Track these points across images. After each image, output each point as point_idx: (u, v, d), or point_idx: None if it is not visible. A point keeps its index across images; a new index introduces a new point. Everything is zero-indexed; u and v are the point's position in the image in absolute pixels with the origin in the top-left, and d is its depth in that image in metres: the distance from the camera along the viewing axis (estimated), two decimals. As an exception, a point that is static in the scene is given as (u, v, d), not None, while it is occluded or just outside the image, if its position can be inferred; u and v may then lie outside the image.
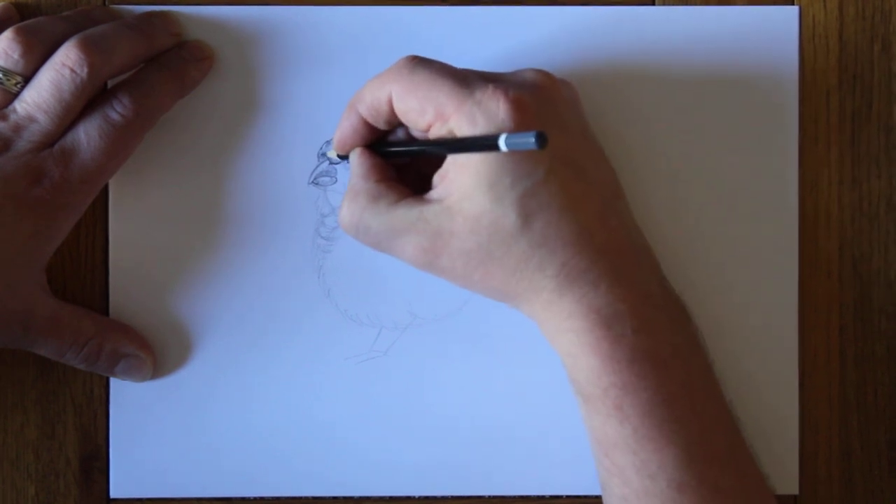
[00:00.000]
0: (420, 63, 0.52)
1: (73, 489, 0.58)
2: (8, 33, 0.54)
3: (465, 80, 0.51)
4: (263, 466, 0.58)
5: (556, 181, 0.50)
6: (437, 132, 0.51)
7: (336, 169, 0.58)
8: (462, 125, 0.50)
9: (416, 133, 0.54)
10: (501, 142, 0.45)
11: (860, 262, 0.59)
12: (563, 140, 0.51)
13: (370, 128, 0.54)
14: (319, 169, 0.58)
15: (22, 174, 0.53)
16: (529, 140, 0.44)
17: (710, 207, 0.58)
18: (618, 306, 0.50)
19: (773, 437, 0.58)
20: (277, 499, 0.59)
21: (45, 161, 0.53)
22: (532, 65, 0.56)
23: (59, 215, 0.54)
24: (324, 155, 0.58)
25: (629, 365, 0.50)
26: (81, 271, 0.58)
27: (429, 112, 0.51)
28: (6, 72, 0.53)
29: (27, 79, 0.54)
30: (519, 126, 0.50)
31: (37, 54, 0.54)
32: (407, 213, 0.52)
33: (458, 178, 0.51)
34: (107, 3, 0.58)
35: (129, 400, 0.58)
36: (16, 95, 0.54)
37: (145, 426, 0.58)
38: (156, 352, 0.58)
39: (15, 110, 0.53)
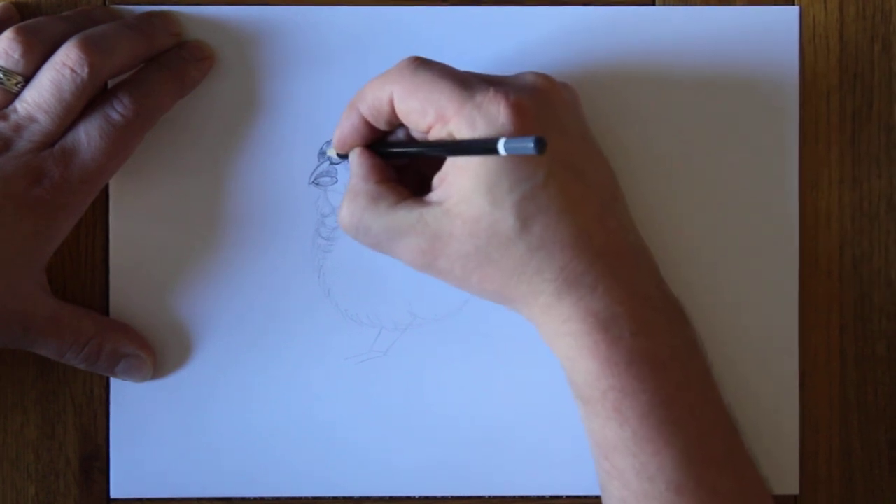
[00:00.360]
0: (422, 64, 0.52)
1: (73, 489, 0.58)
2: (8, 33, 0.53)
3: (467, 82, 0.51)
4: (263, 466, 0.58)
5: (555, 185, 0.50)
6: (437, 134, 0.51)
7: (336, 169, 0.58)
8: (462, 128, 0.50)
9: (417, 134, 0.54)
10: (500, 146, 0.45)
11: (860, 261, 0.59)
12: (563, 143, 0.51)
13: (371, 128, 0.54)
14: (320, 169, 0.58)
15: (22, 174, 0.53)
16: (528, 145, 0.44)
17: (710, 208, 0.58)
18: (616, 309, 0.50)
19: (773, 437, 0.58)
20: (277, 499, 0.59)
21: (46, 161, 0.53)
22: (532, 65, 0.56)
23: (59, 215, 0.54)
24: (324, 154, 0.58)
25: (627, 368, 0.50)
26: (81, 271, 0.58)
27: (429, 113, 0.51)
28: (6, 72, 0.53)
29: (27, 79, 0.54)
30: (519, 130, 0.50)
31: (37, 54, 0.54)
32: (406, 215, 0.52)
33: (458, 180, 0.51)
34: (107, 3, 0.58)
35: (129, 400, 0.58)
36: (16, 95, 0.54)
37: (145, 426, 0.58)
38: (156, 352, 0.58)
39: (15, 110, 0.53)
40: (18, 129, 0.53)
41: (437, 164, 0.52)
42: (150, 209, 0.58)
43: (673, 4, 0.58)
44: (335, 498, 0.59)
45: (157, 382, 0.58)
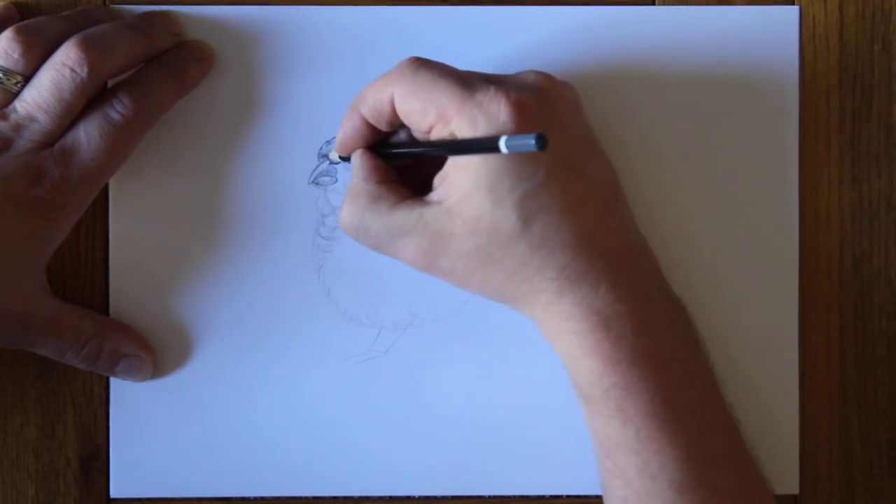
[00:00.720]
0: (423, 64, 0.52)
1: (73, 489, 0.58)
2: (8, 33, 0.54)
3: (467, 81, 0.51)
4: (263, 466, 0.58)
5: (556, 183, 0.50)
6: (438, 134, 0.51)
7: (336, 169, 0.58)
8: (463, 127, 0.50)
9: (418, 134, 0.54)
10: (502, 143, 0.45)
11: (860, 261, 0.59)
12: (564, 142, 0.51)
13: (372, 129, 0.54)
14: (319, 169, 0.58)
15: (22, 174, 0.53)
16: (529, 142, 0.44)
17: (710, 207, 0.58)
18: (618, 307, 0.50)
19: (774, 437, 0.58)
20: (277, 499, 0.59)
21: (45, 161, 0.53)
22: (532, 65, 0.56)
23: (59, 215, 0.54)
24: (324, 155, 0.58)
25: (630, 366, 0.50)
26: (81, 271, 0.58)
27: (430, 113, 0.51)
28: (6, 71, 0.53)
29: (27, 78, 0.54)
30: (520, 128, 0.50)
31: (37, 54, 0.54)
32: (407, 215, 0.52)
33: (459, 179, 0.51)
34: (107, 2, 0.58)
35: (129, 400, 0.58)
36: (16, 95, 0.54)
37: (145, 426, 0.58)
38: (156, 352, 0.58)
39: (15, 110, 0.53)
40: (18, 128, 0.53)
41: (439, 165, 0.52)
42: (150, 209, 0.58)
43: (673, 4, 0.58)
44: (335, 498, 0.59)
45: (157, 382, 0.58)
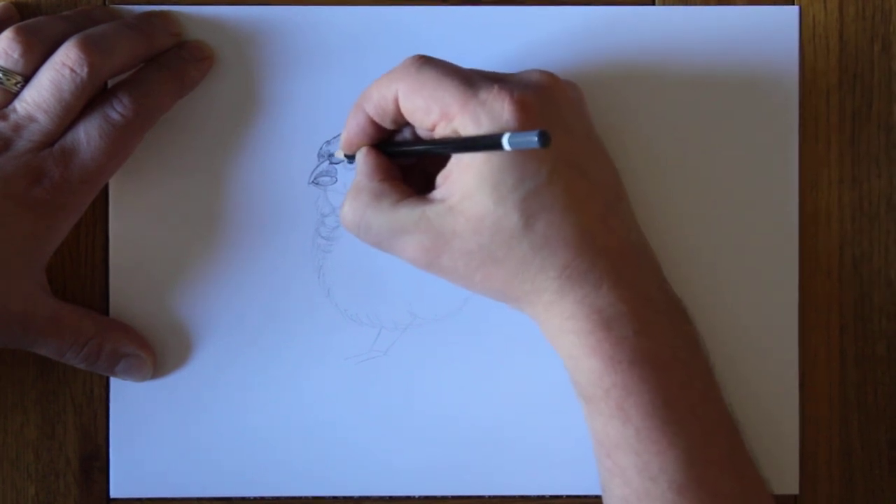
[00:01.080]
0: (427, 62, 0.52)
1: (73, 489, 0.58)
2: (8, 33, 0.54)
3: (471, 80, 0.51)
4: (263, 466, 0.58)
5: (559, 182, 0.50)
6: (442, 132, 0.51)
7: (336, 169, 0.58)
8: (467, 125, 0.50)
9: (422, 132, 0.54)
10: (505, 141, 0.45)
11: (860, 261, 0.59)
12: (567, 141, 0.51)
13: (377, 127, 0.54)
14: (319, 169, 0.58)
15: (22, 174, 0.53)
16: (532, 139, 0.44)
17: (710, 207, 0.58)
18: (619, 307, 0.50)
19: (774, 437, 0.58)
20: (277, 499, 0.59)
21: (45, 161, 0.53)
22: (532, 65, 0.56)
23: (58, 215, 0.54)
24: (325, 155, 0.58)
25: (630, 366, 0.50)
26: (81, 271, 0.58)
27: (434, 111, 0.51)
28: (6, 71, 0.53)
29: (27, 78, 0.54)
30: (523, 126, 0.50)
31: (37, 54, 0.54)
32: (409, 213, 0.52)
33: (462, 178, 0.51)
34: (107, 3, 0.58)
35: (129, 400, 0.58)
36: (16, 95, 0.54)
37: (145, 426, 0.58)
38: (156, 352, 0.58)
39: (15, 110, 0.53)
40: (18, 128, 0.53)
41: (442, 164, 0.52)
42: (150, 209, 0.58)
43: (673, 4, 0.58)
44: (335, 498, 0.59)
45: (157, 382, 0.58)
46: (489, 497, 0.59)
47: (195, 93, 0.58)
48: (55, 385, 0.58)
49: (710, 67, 0.58)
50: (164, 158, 0.58)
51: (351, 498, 0.59)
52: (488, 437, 0.58)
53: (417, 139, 0.55)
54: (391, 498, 0.59)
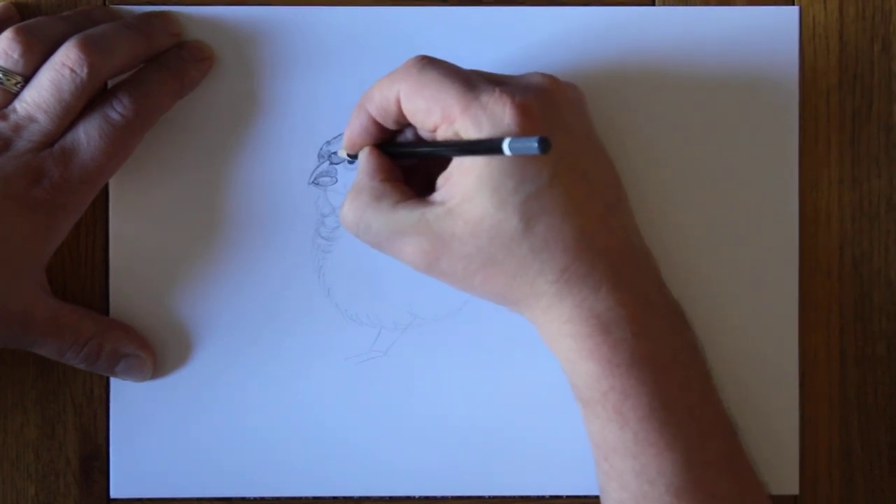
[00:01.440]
0: (429, 63, 0.52)
1: (73, 489, 0.58)
2: (8, 33, 0.54)
3: (472, 82, 0.51)
4: (263, 466, 0.58)
5: (559, 185, 0.50)
6: (443, 134, 0.51)
7: (336, 169, 0.58)
8: (468, 128, 0.50)
9: (424, 133, 0.54)
10: (505, 146, 0.45)
11: (860, 261, 0.59)
12: (568, 143, 0.51)
13: (380, 127, 0.54)
14: (320, 169, 0.58)
15: (22, 174, 0.53)
16: (533, 145, 0.44)
17: (710, 207, 0.58)
18: (618, 311, 0.50)
19: (773, 437, 0.58)
20: (277, 499, 0.59)
21: (45, 161, 0.53)
22: (532, 65, 0.56)
23: (58, 215, 0.54)
24: (325, 155, 0.58)
25: (628, 369, 0.50)
26: (81, 271, 0.58)
27: (435, 113, 0.51)
28: (6, 71, 0.53)
29: (27, 78, 0.54)
30: (524, 130, 0.50)
31: (37, 54, 0.54)
32: (409, 214, 0.52)
33: (462, 180, 0.51)
34: (107, 3, 0.58)
35: (129, 400, 0.58)
36: (16, 95, 0.54)
37: (145, 426, 0.58)
38: (156, 352, 0.58)
39: (15, 110, 0.53)
40: (18, 129, 0.53)
41: (444, 165, 0.52)
42: (150, 209, 0.58)
43: (673, 4, 0.58)
44: (335, 498, 0.59)
45: (157, 382, 0.58)
46: (489, 497, 0.59)
47: (195, 93, 0.58)
48: (55, 385, 0.58)
49: (710, 67, 0.58)
50: (164, 158, 0.58)
51: (351, 498, 0.59)
52: (488, 438, 0.58)
53: (419, 140, 0.55)
54: (391, 498, 0.59)
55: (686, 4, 0.58)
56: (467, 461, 0.58)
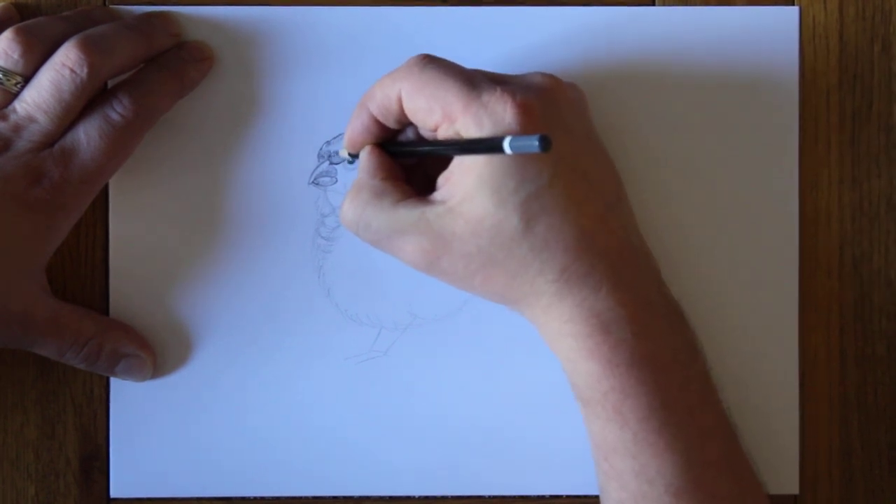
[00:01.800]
0: (430, 62, 0.52)
1: (73, 489, 0.58)
2: (8, 33, 0.54)
3: (474, 81, 0.51)
4: (263, 466, 0.58)
5: (559, 185, 0.50)
6: (444, 133, 0.51)
7: (336, 169, 0.58)
8: (469, 127, 0.50)
9: (425, 133, 0.54)
10: (506, 144, 0.45)
11: (860, 261, 0.59)
12: (568, 143, 0.51)
13: (380, 126, 0.54)
14: (319, 169, 0.58)
15: (22, 174, 0.53)
16: (533, 143, 0.44)
17: (711, 207, 0.58)
18: (618, 311, 0.50)
19: (773, 437, 0.58)
20: (277, 499, 0.59)
21: (45, 161, 0.53)
22: (532, 65, 0.56)
23: (58, 215, 0.54)
24: (325, 155, 0.58)
25: (629, 369, 0.50)
26: (81, 271, 0.58)
27: (436, 112, 0.51)
28: (6, 72, 0.53)
29: (27, 79, 0.54)
30: (525, 129, 0.50)
31: (37, 54, 0.54)
32: (409, 213, 0.52)
33: (462, 179, 0.51)
34: (107, 3, 0.58)
35: (129, 400, 0.58)
36: (16, 95, 0.54)
37: (145, 426, 0.58)
38: (156, 352, 0.58)
39: (15, 110, 0.53)
40: (18, 129, 0.53)
41: (444, 165, 0.52)
42: (150, 209, 0.58)
43: (673, 4, 0.58)
44: (335, 498, 0.59)
45: (157, 382, 0.58)
46: (489, 497, 0.59)
47: (195, 93, 0.58)
48: (55, 385, 0.58)
49: (710, 67, 0.58)
50: (164, 158, 0.58)
51: (351, 498, 0.59)
52: (488, 437, 0.58)
53: (420, 139, 0.55)
54: (391, 498, 0.59)
55: (686, 4, 0.58)
56: (467, 461, 0.58)
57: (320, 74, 0.58)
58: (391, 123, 0.54)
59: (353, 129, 0.55)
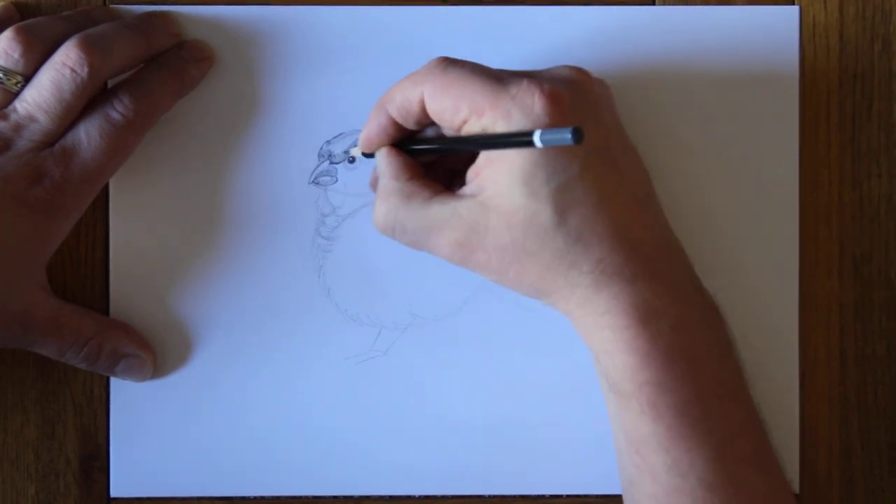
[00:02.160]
0: (452, 63, 0.52)
1: (73, 489, 0.58)
2: (8, 33, 0.54)
3: (499, 76, 0.51)
4: (263, 466, 0.58)
5: (591, 176, 0.50)
6: (470, 129, 0.51)
7: (336, 169, 0.58)
8: (497, 120, 0.50)
9: (447, 131, 0.54)
10: (536, 138, 0.45)
11: (860, 262, 0.59)
12: (598, 135, 0.51)
13: (398, 127, 0.54)
14: (320, 169, 0.58)
15: (22, 174, 0.53)
16: (565, 136, 0.44)
17: (711, 207, 0.58)
18: (655, 303, 0.50)
19: (774, 437, 0.58)
20: (277, 498, 0.59)
21: (46, 161, 0.53)
22: (532, 65, 0.56)
23: (59, 215, 0.54)
24: (325, 155, 0.58)
25: (665, 362, 0.50)
26: (81, 271, 0.58)
27: (463, 110, 0.51)
28: (6, 71, 0.53)
29: (27, 78, 0.54)
30: (554, 120, 0.49)
31: (37, 54, 0.54)
32: (441, 210, 0.52)
33: (493, 173, 0.50)
34: (107, 3, 0.58)
35: (129, 400, 0.58)
36: (16, 95, 0.54)
37: (145, 426, 0.58)
38: (156, 352, 0.58)
39: (15, 110, 0.53)
40: (18, 128, 0.53)
41: (467, 159, 0.52)
42: (150, 209, 0.58)
43: (673, 4, 0.58)
44: (335, 497, 0.59)
45: (157, 382, 0.58)
46: (489, 497, 0.59)
47: (195, 93, 0.58)
48: (55, 385, 0.58)
49: (710, 67, 0.58)
50: (164, 158, 0.58)
51: (351, 498, 0.59)
52: (488, 437, 0.58)
53: (440, 137, 0.54)
54: (391, 498, 0.59)
55: (686, 4, 0.58)
56: (467, 460, 0.58)
57: (320, 74, 0.58)
58: (410, 125, 0.54)
59: (370, 130, 0.55)
